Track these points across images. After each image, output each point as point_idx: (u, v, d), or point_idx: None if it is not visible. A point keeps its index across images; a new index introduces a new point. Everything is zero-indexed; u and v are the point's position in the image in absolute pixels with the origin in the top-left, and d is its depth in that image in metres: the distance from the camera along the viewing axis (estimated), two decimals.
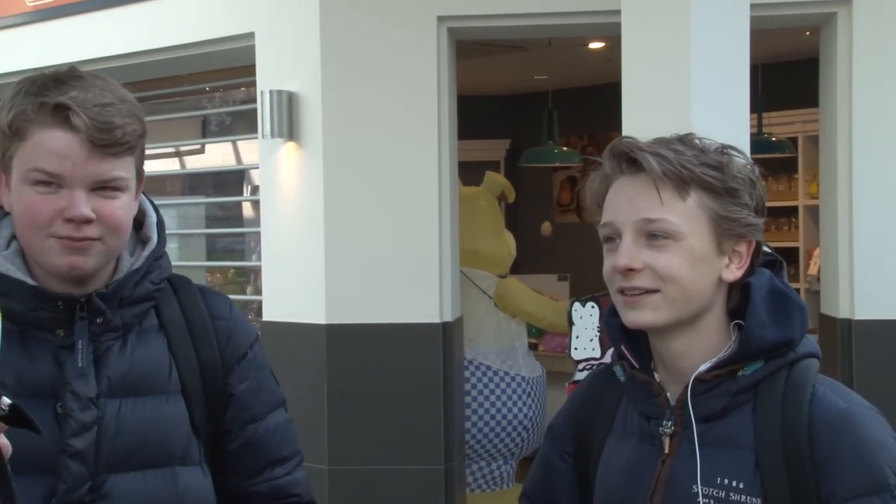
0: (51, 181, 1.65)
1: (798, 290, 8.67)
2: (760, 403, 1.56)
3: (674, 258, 1.56)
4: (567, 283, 7.99)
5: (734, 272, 1.61)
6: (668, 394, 1.63)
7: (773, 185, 9.12)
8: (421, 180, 4.89)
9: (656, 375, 1.65)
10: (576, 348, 4.55)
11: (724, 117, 3.91)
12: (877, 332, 4.61)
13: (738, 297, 1.62)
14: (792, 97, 8.05)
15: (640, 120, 3.97)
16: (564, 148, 8.94)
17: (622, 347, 1.67)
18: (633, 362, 1.67)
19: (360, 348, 4.85)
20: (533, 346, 6.55)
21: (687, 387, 1.59)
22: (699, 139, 1.63)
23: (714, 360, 1.59)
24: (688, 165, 1.56)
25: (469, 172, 5.97)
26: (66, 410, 1.67)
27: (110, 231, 1.70)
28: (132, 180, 1.73)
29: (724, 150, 1.62)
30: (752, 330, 1.57)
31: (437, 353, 4.86)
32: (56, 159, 1.64)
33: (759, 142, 7.26)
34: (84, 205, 1.65)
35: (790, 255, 8.76)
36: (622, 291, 1.59)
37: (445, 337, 4.89)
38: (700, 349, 1.60)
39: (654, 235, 1.56)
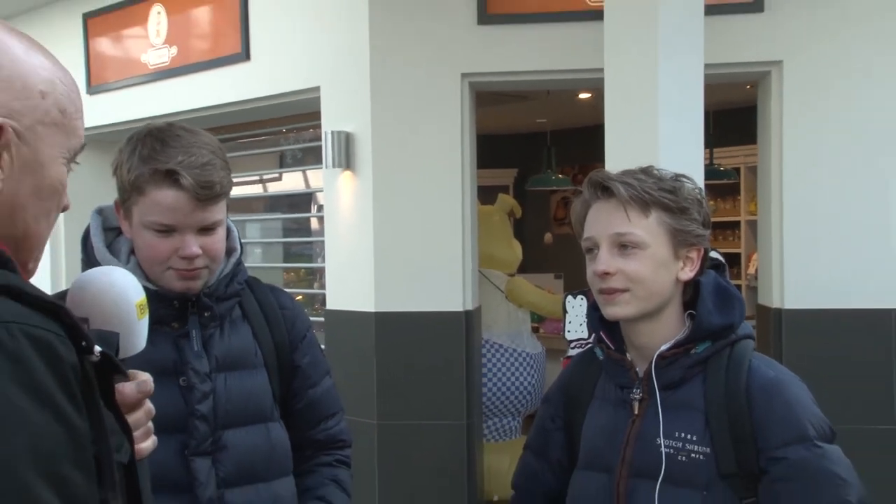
0: (165, 229, 1.68)
1: (739, 287, 8.71)
2: (709, 374, 1.56)
3: (640, 264, 1.56)
4: (562, 281, 7.98)
5: (687, 273, 1.60)
6: (637, 368, 1.63)
7: (721, 204, 9.07)
8: (448, 200, 4.89)
9: (628, 355, 1.66)
10: (569, 331, 4.54)
11: (683, 152, 3.90)
12: (802, 319, 4.57)
13: (691, 293, 1.62)
14: (736, 136, 8.02)
15: (619, 154, 3.97)
16: (560, 175, 8.91)
17: (601, 333, 1.67)
18: (610, 345, 1.67)
19: (401, 331, 4.84)
20: (535, 329, 6.54)
21: (651, 363, 1.59)
22: (657, 170, 1.63)
23: (672, 341, 1.59)
24: (649, 191, 1.56)
25: (485, 194, 5.97)
26: (190, 384, 1.71)
27: (213, 260, 1.74)
28: (224, 217, 1.76)
29: (677, 177, 1.62)
30: (702, 317, 1.56)
31: (460, 335, 4.85)
32: (169, 213, 1.66)
33: (710, 171, 7.22)
34: (194, 245, 1.69)
35: (733, 259, 8.70)
36: (601, 291, 1.59)
37: (467, 322, 4.87)
38: (661, 334, 1.60)
39: (624, 246, 1.56)
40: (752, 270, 8.34)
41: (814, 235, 4.58)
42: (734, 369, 1.54)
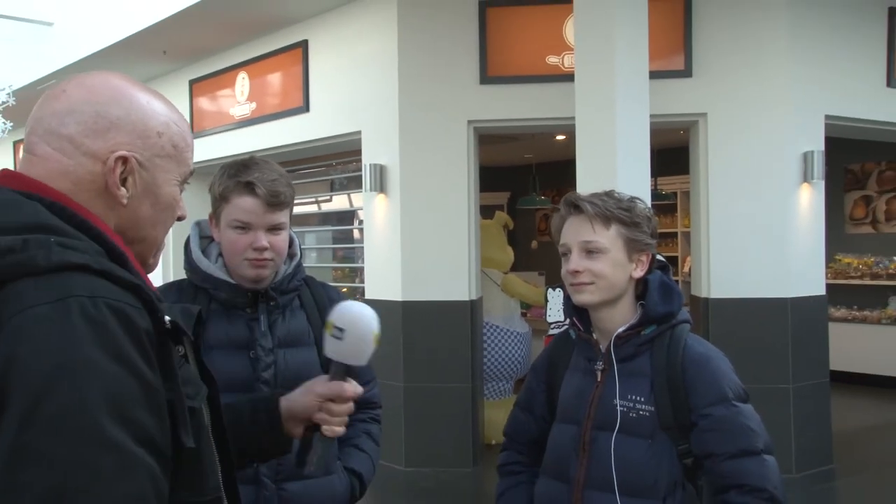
0: (244, 227, 1.68)
1: (678, 282, 8.62)
2: (654, 351, 1.54)
3: (603, 264, 1.54)
4: (544, 277, 7.93)
5: (639, 272, 1.58)
6: (601, 346, 1.61)
7: (663, 219, 9.00)
8: (457, 215, 4.87)
9: (594, 335, 1.63)
10: (549, 315, 4.52)
11: (635, 179, 3.88)
12: (724, 306, 4.54)
13: (642, 288, 1.60)
14: (674, 168, 7.96)
15: (587, 181, 3.96)
16: (542, 197, 8.86)
17: (573, 319, 1.65)
18: (580, 327, 1.64)
19: (422, 316, 4.81)
20: (524, 314, 6.50)
21: (611, 341, 1.57)
22: (617, 193, 1.61)
23: (627, 325, 1.57)
24: (610, 209, 1.55)
25: (485, 211, 5.96)
26: (258, 355, 1.69)
27: (277, 254, 1.73)
28: (288, 222, 1.75)
29: (632, 199, 1.60)
30: (650, 306, 1.55)
31: (467, 319, 4.82)
32: (246, 214, 1.67)
33: (655, 194, 7.16)
34: (263, 239, 1.68)
35: (672, 261, 8.64)
36: (572, 284, 1.58)
37: (472, 309, 4.85)
38: (618, 319, 1.58)
39: (590, 251, 1.55)
40: (686, 269, 8.27)
41: (732, 242, 4.56)
42: (674, 347, 1.52)
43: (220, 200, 1.70)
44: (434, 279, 4.83)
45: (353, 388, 1.25)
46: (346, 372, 1.26)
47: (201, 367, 0.98)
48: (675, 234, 8.94)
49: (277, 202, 1.68)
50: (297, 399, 1.27)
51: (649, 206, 1.64)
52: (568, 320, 1.65)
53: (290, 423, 1.27)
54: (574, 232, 1.57)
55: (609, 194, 1.60)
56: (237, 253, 1.69)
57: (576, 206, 1.58)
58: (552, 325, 4.58)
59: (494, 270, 5.75)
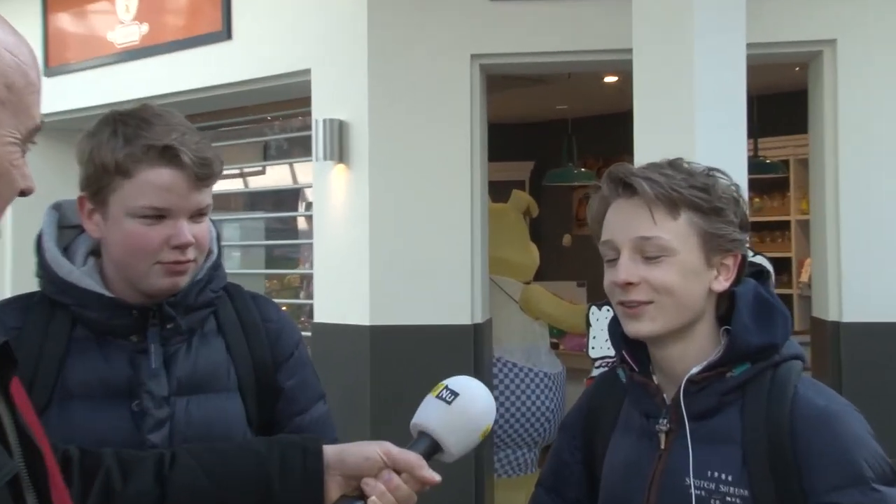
0: (157, 214, 1.66)
1: (790, 297, 8.68)
2: (747, 402, 1.54)
3: (667, 272, 1.55)
4: (585, 289, 7.96)
5: (722, 283, 1.60)
6: (665, 394, 1.62)
7: (768, 202, 9.06)
8: (456, 197, 4.90)
9: (654, 378, 1.64)
10: (593, 347, 4.54)
11: (723, 142, 3.88)
12: (863, 333, 4.56)
13: (727, 305, 1.61)
14: (784, 124, 8.00)
15: (649, 145, 3.96)
16: (582, 169, 8.90)
17: (623, 353, 1.66)
18: (634, 366, 1.65)
19: (400, 348, 4.84)
20: (554, 346, 6.53)
21: (680, 388, 1.58)
22: (687, 163, 1.63)
23: (704, 363, 1.57)
24: (677, 188, 1.56)
25: (498, 191, 5.96)
26: (144, 408, 1.65)
27: (201, 251, 1.73)
28: (211, 204, 1.75)
29: (709, 172, 1.62)
30: (738, 334, 1.55)
31: (468, 352, 4.85)
32: (164, 194, 1.64)
33: (755, 164, 7.18)
34: (188, 232, 1.67)
35: (783, 265, 8.69)
36: (621, 303, 1.58)
37: (476, 337, 4.88)
38: (692, 354, 1.59)
39: (649, 253, 1.56)
40: (804, 277, 8.32)
41: (876, 237, 4.58)
42: (777, 396, 1.52)
43: (112, 174, 1.65)
44: (419, 293, 4.87)
45: (432, 474, 1.50)
46: (431, 450, 1.52)
47: (20, 429, 0.96)
48: (786, 225, 9.00)
49: (209, 174, 1.68)
50: (353, 452, 1.46)
51: (739, 183, 1.65)
52: (616, 355, 1.66)
53: (331, 480, 1.44)
54: (623, 224, 1.58)
55: (676, 166, 1.61)
56: (147, 254, 1.67)
57: (625, 185, 1.59)
58: (597, 363, 4.59)
59: (510, 279, 5.81)
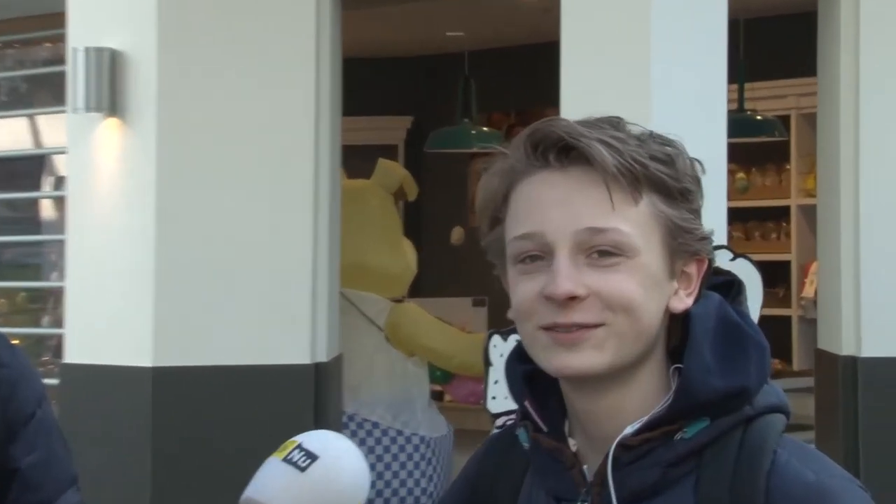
0: None
1: (789, 319, 8.86)
2: (705, 477, 1.56)
3: (627, 281, 1.56)
4: (485, 310, 8.01)
5: (683, 300, 1.61)
6: (586, 466, 1.61)
7: (759, 178, 9.27)
8: (290, 171, 4.94)
9: (571, 441, 1.64)
10: (493, 397, 4.54)
11: (694, 86, 3.94)
12: (889, 373, 4.69)
13: (680, 334, 1.63)
14: (783, 63, 8.17)
15: (583, 92, 3.99)
16: (485, 128, 8.98)
17: (526, 404, 1.65)
18: (541, 423, 1.64)
19: (199, 399, 4.86)
20: (437, 396, 6.59)
21: (608, 456, 1.57)
22: (634, 126, 1.63)
23: (643, 419, 1.58)
24: (640, 159, 1.56)
25: (357, 160, 5.98)
26: None
27: None
28: None
29: (665, 140, 1.62)
30: (694, 376, 1.57)
31: (306, 406, 4.87)
32: None
33: (741, 121, 7.34)
34: None
35: (780, 271, 8.89)
36: (552, 328, 1.57)
37: (318, 383, 4.90)
38: (634, 405, 1.59)
39: (600, 252, 1.56)
40: (809, 291, 8.53)
41: None
42: (747, 468, 1.54)
43: None
44: (230, 320, 4.89)
45: None
46: None
47: None
48: (784, 211, 9.24)
49: None
50: None
51: (697, 158, 1.66)
52: (517, 408, 1.68)
53: None
54: (561, 208, 1.57)
55: (618, 125, 1.61)
56: None
57: (564, 150, 1.58)
58: (500, 421, 4.60)
59: (373, 295, 5.88)
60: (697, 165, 1.64)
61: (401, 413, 5.75)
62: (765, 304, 4.28)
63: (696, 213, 1.62)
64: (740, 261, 4.01)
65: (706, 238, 1.62)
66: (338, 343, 5.15)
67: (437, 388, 6.73)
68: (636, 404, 1.60)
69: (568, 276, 1.55)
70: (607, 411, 1.60)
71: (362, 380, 5.66)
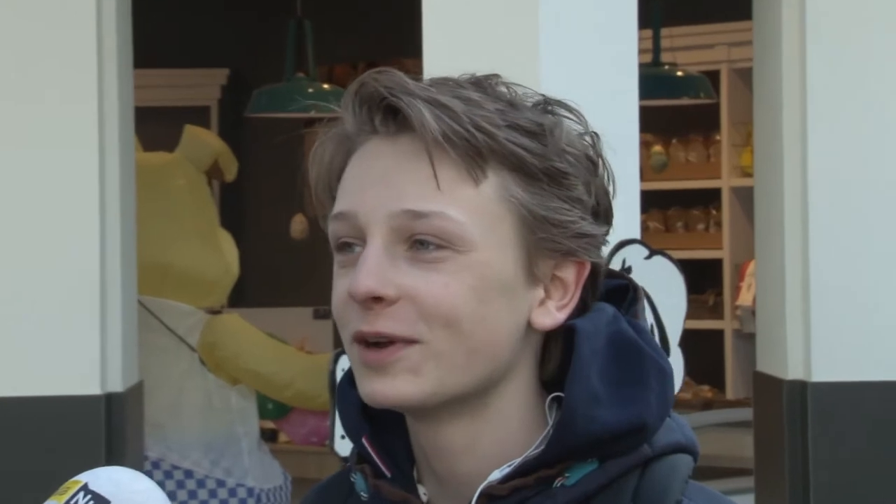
0: None
1: (721, 334, 8.96)
2: None
3: (452, 282, 1.55)
4: (330, 322, 8.04)
5: (553, 314, 1.61)
6: None
7: (681, 152, 9.38)
8: (66, 143, 4.94)
9: (421, 490, 1.65)
10: (343, 436, 4.58)
11: (594, 32, 4.00)
12: (844, 401, 4.83)
13: (560, 355, 1.65)
14: (709, 4, 8.28)
15: (453, 36, 4.04)
16: (325, 85, 8.98)
17: (364, 441, 1.65)
18: (383, 467, 1.66)
19: None
20: (269, 436, 6.60)
21: None
22: (510, 86, 1.64)
23: (515, 462, 1.59)
24: (486, 126, 1.56)
25: (155, 126, 5.94)
26: None
27: None
28: None
29: (548, 106, 1.65)
30: (577, 408, 1.57)
31: (95, 448, 4.86)
32: None
33: (657, 78, 7.40)
34: None
35: (710, 272, 9.02)
36: (360, 340, 1.59)
37: (111, 420, 4.90)
38: (492, 442, 1.61)
39: (421, 242, 1.58)
40: (746, 298, 8.63)
41: (876, 225, 4.84)
42: None
43: None
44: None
45: None
46: None
47: None
48: (714, 195, 9.40)
49: None
50: None
51: (594, 130, 1.67)
52: (354, 447, 1.67)
53: None
54: (378, 184, 1.58)
55: (486, 86, 1.61)
56: None
57: (390, 111, 1.59)
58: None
59: (182, 305, 5.89)
60: (597, 141, 1.64)
61: (222, 458, 5.74)
62: (690, 315, 4.32)
63: (578, 202, 1.60)
64: (657, 258, 4.08)
65: (587, 235, 1.61)
66: (136, 368, 5.15)
67: (270, 425, 6.77)
68: (496, 442, 1.60)
69: (371, 270, 1.54)
70: (457, 448, 1.61)
71: (170, 415, 5.65)
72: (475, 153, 1.56)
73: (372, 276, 1.53)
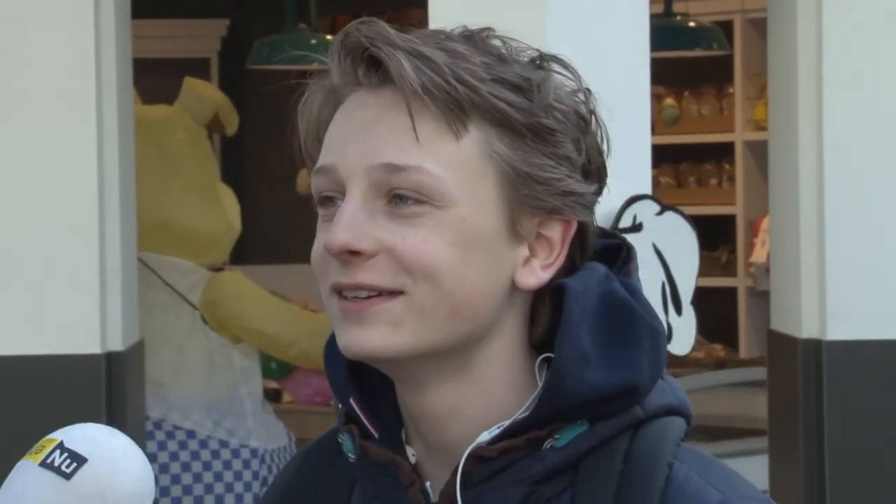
0: None
1: (735, 291, 8.96)
2: (582, 496, 1.61)
3: (431, 237, 1.57)
4: None
5: (537, 273, 1.62)
6: (428, 483, 1.65)
7: (693, 105, 9.37)
8: (62, 95, 4.95)
9: (409, 451, 1.67)
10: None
11: None
12: (860, 360, 4.86)
13: (550, 315, 1.66)
14: None
15: None
16: (328, 36, 8.96)
17: (352, 401, 1.66)
18: (371, 428, 1.68)
19: None
20: (273, 396, 6.63)
21: (457, 469, 1.60)
22: (504, 40, 1.64)
23: (504, 424, 1.61)
24: (469, 79, 1.57)
25: (154, 79, 5.95)
26: None
27: None
28: None
29: (542, 62, 1.65)
30: (567, 368, 1.59)
31: (95, 408, 4.88)
32: None
33: (669, 28, 7.39)
34: None
35: (723, 229, 9.02)
36: (338, 292, 1.60)
37: (111, 379, 4.93)
38: (480, 404, 1.62)
39: (399, 196, 1.59)
40: (760, 255, 8.63)
41: (887, 177, 4.85)
42: (636, 484, 1.59)
43: None
44: None
45: None
46: None
47: None
48: (727, 149, 9.41)
49: None
50: None
51: (587, 87, 1.67)
52: (340, 407, 1.68)
53: None
54: (359, 137, 1.60)
55: (477, 39, 1.62)
56: None
57: (373, 62, 1.59)
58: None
59: (184, 260, 5.92)
60: (590, 99, 1.64)
61: (224, 418, 5.76)
62: (702, 273, 4.34)
63: (565, 159, 1.60)
64: (669, 214, 4.11)
65: (573, 193, 1.61)
66: (137, 326, 5.17)
67: (273, 385, 6.80)
68: (482, 405, 1.62)
69: (348, 223, 1.55)
70: (443, 411, 1.62)
71: (172, 374, 5.68)
72: (456, 106, 1.57)
73: (347, 230, 1.55)
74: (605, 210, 1.70)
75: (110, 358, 4.94)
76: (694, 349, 4.68)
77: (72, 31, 4.91)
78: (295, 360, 6.27)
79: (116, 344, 4.96)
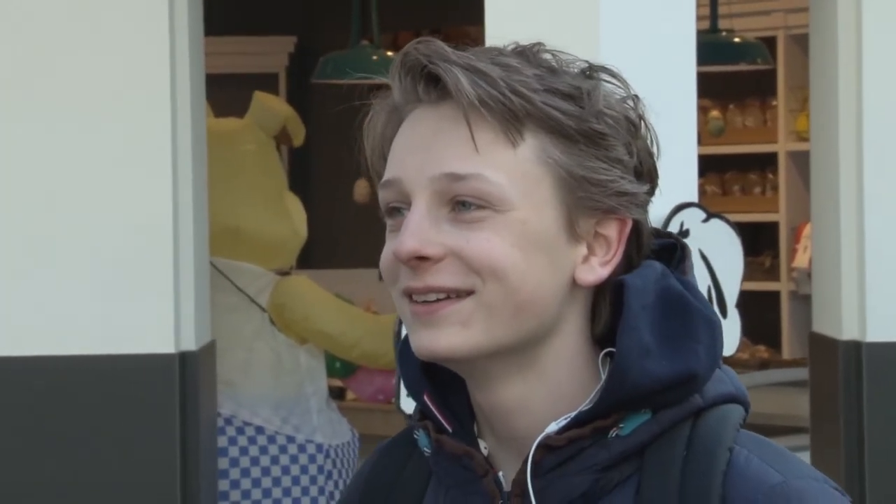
0: None
1: (778, 295, 8.90)
2: (647, 482, 1.61)
3: (493, 238, 1.57)
4: None
5: (596, 270, 1.63)
6: (500, 473, 1.65)
7: (738, 117, 9.30)
8: (139, 109, 4.95)
9: (482, 444, 1.67)
10: (408, 394, 4.59)
11: (654, 0, 3.98)
12: None
13: (610, 310, 1.66)
14: None
15: (513, 4, 4.02)
16: (389, 53, 8.97)
17: (426, 397, 1.67)
18: (445, 423, 1.68)
19: (29, 398, 4.88)
20: (337, 394, 6.61)
21: (527, 460, 1.61)
22: (554, 53, 1.65)
23: (569, 415, 1.61)
24: (523, 90, 1.58)
25: (225, 93, 5.95)
26: None
27: None
28: None
29: (591, 72, 1.65)
30: (629, 360, 1.59)
31: (169, 406, 4.90)
32: None
33: (715, 44, 7.36)
34: None
35: (766, 235, 8.95)
36: (409, 295, 1.61)
37: (185, 378, 4.93)
38: (547, 397, 1.63)
39: (462, 203, 1.59)
40: (802, 260, 8.57)
41: None
42: (699, 468, 1.59)
43: None
44: (68, 298, 4.92)
45: None
46: None
47: None
48: (770, 159, 9.33)
49: None
50: None
51: (635, 94, 1.67)
52: (416, 406, 1.70)
53: None
54: (420, 150, 1.62)
55: (529, 53, 1.62)
56: None
57: (431, 79, 1.60)
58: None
59: (252, 266, 5.91)
60: (638, 104, 1.65)
61: (291, 415, 5.74)
62: (747, 277, 4.32)
63: (618, 162, 1.61)
64: (715, 221, 4.06)
65: (627, 193, 1.62)
66: (209, 327, 5.18)
67: (338, 383, 6.78)
68: (549, 399, 1.62)
69: (414, 231, 1.56)
70: (512, 405, 1.63)
71: (241, 373, 5.67)
72: (512, 116, 1.58)
73: (415, 237, 1.56)
74: (653, 217, 1.67)
75: (184, 358, 4.94)
76: (739, 350, 4.66)
77: (148, 48, 4.92)
78: (358, 359, 6.24)
79: (189, 344, 4.97)
